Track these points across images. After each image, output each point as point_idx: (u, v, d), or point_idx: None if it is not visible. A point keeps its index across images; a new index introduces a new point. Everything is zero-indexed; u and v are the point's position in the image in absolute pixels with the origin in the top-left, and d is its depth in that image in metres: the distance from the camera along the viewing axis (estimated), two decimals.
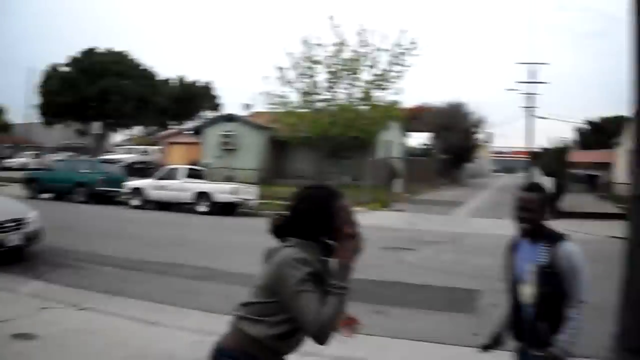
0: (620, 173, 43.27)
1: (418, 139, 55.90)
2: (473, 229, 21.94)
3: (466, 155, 62.06)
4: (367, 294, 9.61)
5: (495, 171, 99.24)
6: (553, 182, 28.80)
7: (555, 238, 4.09)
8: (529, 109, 67.70)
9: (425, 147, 54.55)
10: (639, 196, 1.54)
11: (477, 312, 9.36)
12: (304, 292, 2.96)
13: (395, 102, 34.82)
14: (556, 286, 3.97)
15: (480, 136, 67.69)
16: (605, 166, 57.42)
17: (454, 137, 57.18)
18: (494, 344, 4.42)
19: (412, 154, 50.26)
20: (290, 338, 3.17)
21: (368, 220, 23.70)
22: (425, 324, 8.58)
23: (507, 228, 19.94)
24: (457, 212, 29.14)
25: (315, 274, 3.04)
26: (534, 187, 4.29)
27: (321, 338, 2.97)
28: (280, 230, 3.28)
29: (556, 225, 3.91)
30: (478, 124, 65.00)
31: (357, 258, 3.11)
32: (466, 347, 7.12)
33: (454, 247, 16.98)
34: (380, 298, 9.89)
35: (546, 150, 48.11)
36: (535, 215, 4.09)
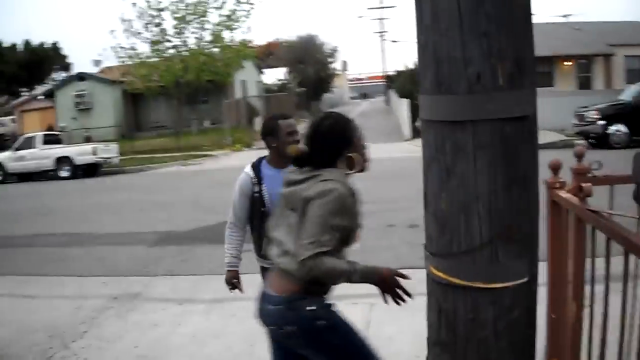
0: None
1: (274, 75, 56.32)
2: None
3: (323, 86, 63.12)
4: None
5: (354, 98, 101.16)
6: (409, 103, 30.20)
7: None
8: (381, 33, 69.45)
9: (281, 82, 55.00)
10: (428, 120, 2.12)
11: None
12: (329, 226, 2.89)
13: (246, 41, 35.06)
14: None
15: (335, 65, 68.94)
16: None
17: (310, 69, 58.02)
18: None
19: (269, 91, 50.67)
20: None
21: (232, 161, 24.24)
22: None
23: (387, 152, 20.92)
24: None
25: (347, 210, 3.00)
26: (287, 115, 4.35)
27: (301, 274, 2.95)
28: (302, 160, 3.24)
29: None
30: (332, 53, 66.14)
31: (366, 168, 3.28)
32: None
33: None
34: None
35: (400, 72, 49.53)
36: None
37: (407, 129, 30.60)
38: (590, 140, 21.98)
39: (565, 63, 34.05)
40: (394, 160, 21.15)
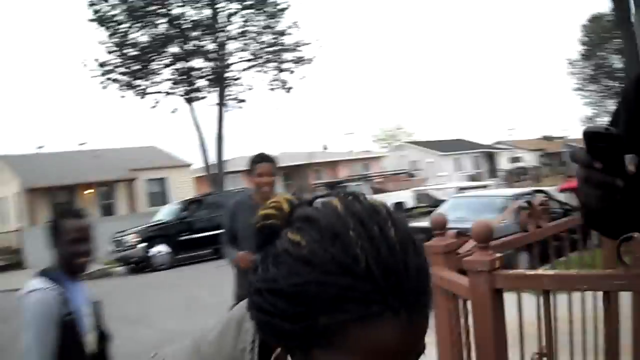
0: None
1: None
2: None
3: None
4: None
5: None
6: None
7: None
8: None
9: None
10: None
11: None
12: None
13: None
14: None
15: None
16: None
17: None
18: None
19: None
20: None
21: None
22: None
23: None
24: None
25: None
26: (79, 213, 3.14)
27: None
28: None
29: None
30: None
31: None
32: None
33: None
34: None
35: None
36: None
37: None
38: (132, 265, 21.15)
39: (87, 191, 33.25)
40: None
